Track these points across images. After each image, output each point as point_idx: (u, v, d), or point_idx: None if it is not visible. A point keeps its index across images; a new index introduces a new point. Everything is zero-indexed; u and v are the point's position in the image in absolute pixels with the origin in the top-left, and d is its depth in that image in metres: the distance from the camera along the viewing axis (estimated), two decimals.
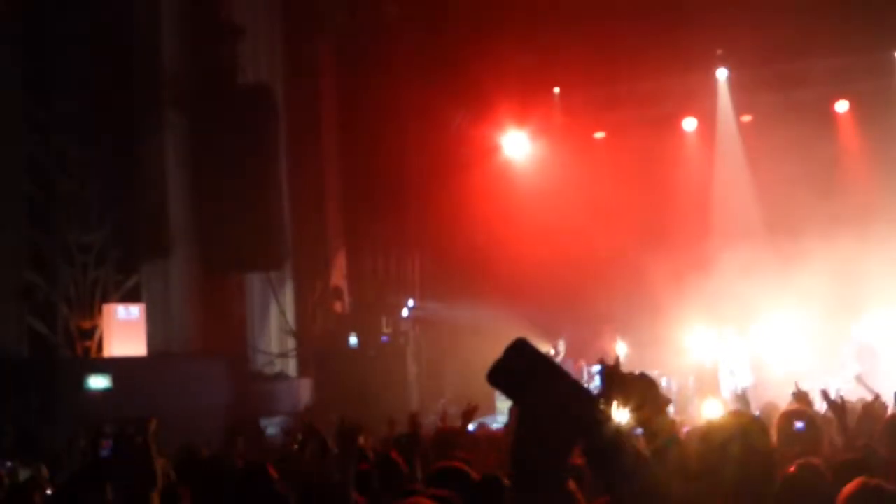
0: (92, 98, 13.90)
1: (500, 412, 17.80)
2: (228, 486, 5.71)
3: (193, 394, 13.52)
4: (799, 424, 6.28)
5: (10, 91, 13.18)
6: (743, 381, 18.06)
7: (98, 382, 12.97)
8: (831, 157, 19.99)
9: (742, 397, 8.94)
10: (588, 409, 2.89)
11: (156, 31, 14.87)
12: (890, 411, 7.74)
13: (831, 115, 20.61)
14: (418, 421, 8.81)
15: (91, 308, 13.94)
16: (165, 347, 14.66)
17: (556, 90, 21.62)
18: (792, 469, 4.64)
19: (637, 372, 3.63)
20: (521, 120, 21.83)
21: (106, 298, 14.07)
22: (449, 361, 21.21)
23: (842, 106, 20.63)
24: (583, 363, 18.60)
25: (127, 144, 14.45)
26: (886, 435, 6.68)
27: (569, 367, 18.69)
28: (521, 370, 2.87)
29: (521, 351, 2.91)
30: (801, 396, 8.02)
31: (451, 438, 7.02)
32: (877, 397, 7.77)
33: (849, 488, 3.97)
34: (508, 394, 2.97)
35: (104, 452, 3.73)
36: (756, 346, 18.71)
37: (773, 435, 6.59)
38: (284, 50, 18.59)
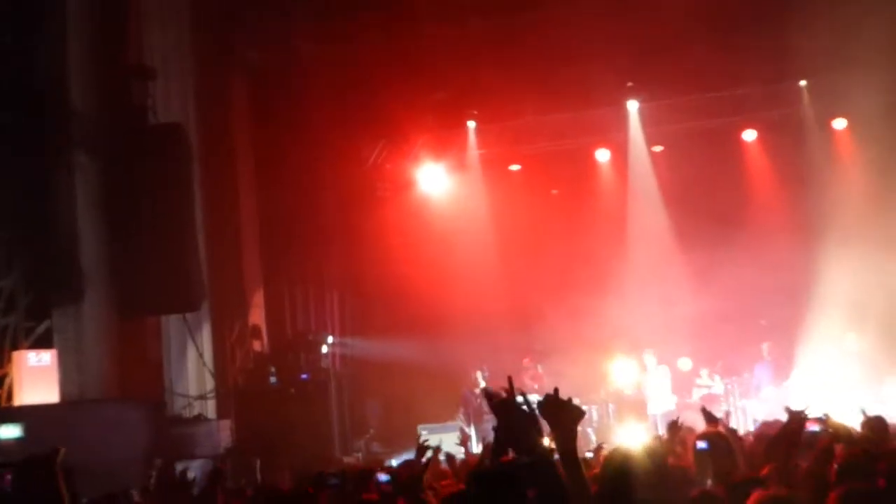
0: None
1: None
2: None
3: (109, 440, 13.18)
4: (701, 444, 6.46)
5: None
6: (664, 406, 18.29)
7: (9, 432, 12.62)
8: (740, 183, 20.44)
9: (674, 425, 9.04)
10: None
11: (63, 72, 14.62)
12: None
13: (739, 144, 21.08)
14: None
15: (0, 355, 13.59)
16: (79, 394, 14.32)
17: (471, 124, 21.77)
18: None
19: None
20: (436, 154, 21.94)
21: (16, 345, 13.73)
22: (371, 397, 21.11)
23: (749, 135, 21.11)
24: (503, 394, 18.61)
25: (35, 188, 14.16)
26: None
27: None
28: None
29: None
30: (709, 417, 8.23)
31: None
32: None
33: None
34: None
35: (6, 488, 3.62)
36: (675, 371, 18.96)
37: (689, 456, 6.72)
38: (196, 89, 18.43)
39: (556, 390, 3.82)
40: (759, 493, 4.38)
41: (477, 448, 16.01)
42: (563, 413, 3.75)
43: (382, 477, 6.25)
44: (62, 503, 3.14)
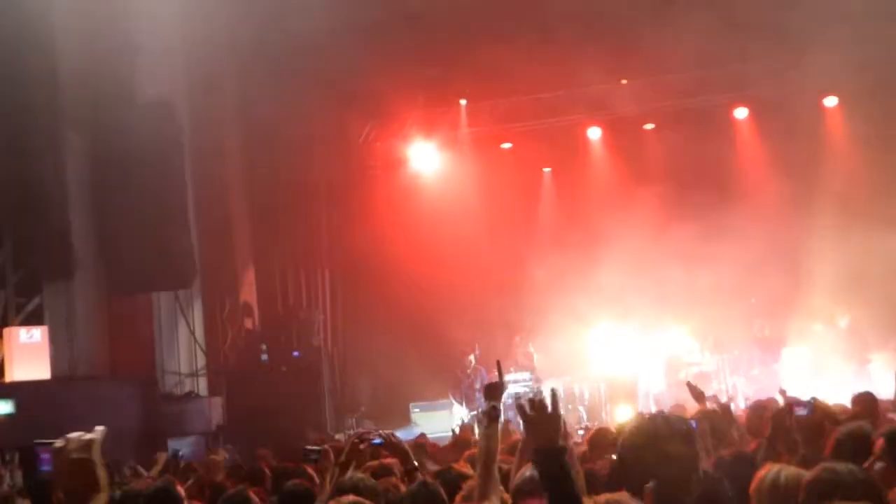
0: None
1: (415, 424, 17.82)
2: None
3: (100, 417, 13.14)
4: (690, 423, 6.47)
5: None
6: (656, 385, 18.35)
7: (1, 408, 12.64)
8: (731, 161, 20.45)
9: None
10: None
11: (51, 50, 14.55)
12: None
13: (730, 121, 21.07)
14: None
15: None
16: (70, 370, 14.33)
17: (463, 102, 21.71)
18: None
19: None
20: (428, 131, 21.87)
21: (7, 322, 13.72)
22: (362, 375, 21.13)
23: (741, 112, 21.11)
24: (495, 373, 18.63)
25: (26, 165, 14.12)
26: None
27: (482, 377, 18.78)
28: None
29: None
30: (696, 393, 8.29)
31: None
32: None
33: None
34: None
35: (44, 467, 3.57)
36: (668, 350, 18.97)
37: None
38: (186, 66, 18.34)
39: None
40: (824, 466, 4.38)
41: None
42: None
43: (376, 440, 6.33)
44: (98, 487, 3.09)
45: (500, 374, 4.14)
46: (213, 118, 18.85)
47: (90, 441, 3.12)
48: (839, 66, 18.39)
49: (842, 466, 4.24)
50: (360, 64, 18.86)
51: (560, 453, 3.60)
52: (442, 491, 5.19)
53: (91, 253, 15.05)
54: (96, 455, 3.10)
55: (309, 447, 7.24)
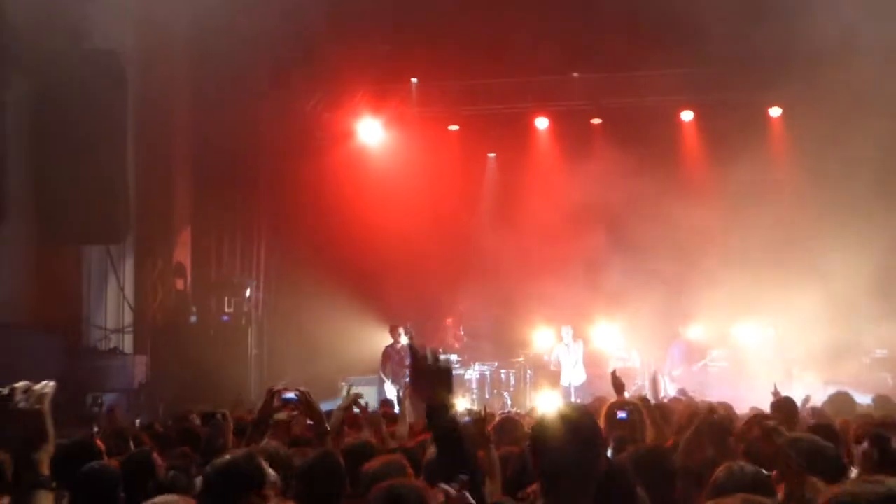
0: None
1: (343, 397, 17.76)
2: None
3: (21, 366, 13.00)
4: (622, 414, 6.61)
5: None
6: (577, 379, 18.53)
7: None
8: (674, 162, 20.65)
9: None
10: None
11: None
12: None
13: (677, 123, 21.28)
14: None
15: None
16: None
17: (414, 80, 21.67)
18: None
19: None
20: (377, 107, 21.78)
21: None
22: (290, 345, 21.03)
23: (686, 115, 21.34)
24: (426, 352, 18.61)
25: None
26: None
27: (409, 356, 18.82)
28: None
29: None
30: (617, 384, 8.43)
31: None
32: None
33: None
34: None
35: None
36: (592, 346, 19.14)
37: (601, 422, 6.85)
38: (136, 19, 18.07)
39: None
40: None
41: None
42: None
43: (289, 394, 6.31)
44: (46, 438, 3.06)
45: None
46: (159, 73, 18.59)
47: (43, 393, 3.09)
48: (785, 78, 18.69)
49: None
50: (314, 31, 18.74)
51: (448, 408, 3.67)
52: (340, 460, 5.17)
53: (25, 199, 14.79)
54: (47, 407, 3.08)
55: (207, 412, 7.23)
